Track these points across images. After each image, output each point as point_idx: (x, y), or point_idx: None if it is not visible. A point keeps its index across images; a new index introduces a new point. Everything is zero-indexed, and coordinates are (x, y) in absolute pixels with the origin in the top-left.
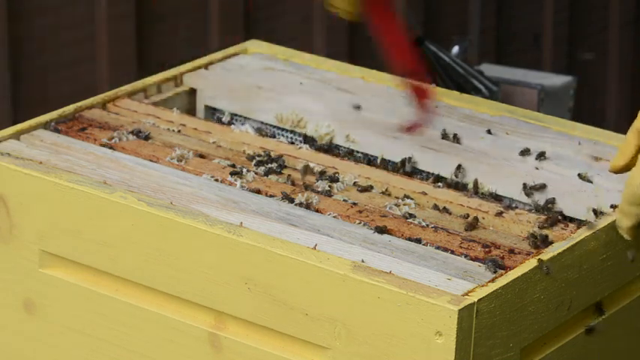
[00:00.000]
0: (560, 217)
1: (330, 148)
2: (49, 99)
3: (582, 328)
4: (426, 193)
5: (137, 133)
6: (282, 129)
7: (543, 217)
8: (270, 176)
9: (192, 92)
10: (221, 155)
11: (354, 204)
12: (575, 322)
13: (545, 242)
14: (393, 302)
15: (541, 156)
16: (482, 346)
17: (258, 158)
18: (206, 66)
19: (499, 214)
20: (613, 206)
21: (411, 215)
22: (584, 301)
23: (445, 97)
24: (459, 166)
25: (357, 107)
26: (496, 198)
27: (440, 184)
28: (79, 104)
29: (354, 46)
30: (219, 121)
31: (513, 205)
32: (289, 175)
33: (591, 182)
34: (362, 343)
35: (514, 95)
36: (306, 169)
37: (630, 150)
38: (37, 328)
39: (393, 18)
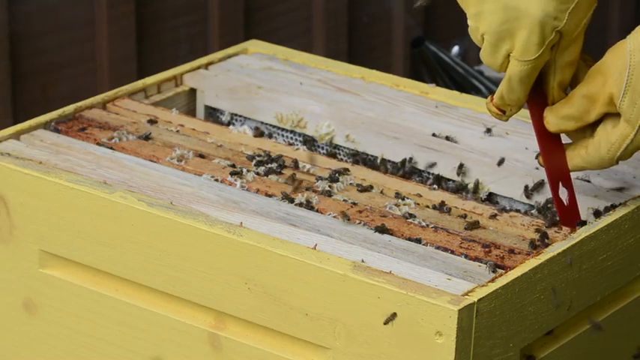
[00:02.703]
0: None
1: (330, 149)
2: (49, 99)
3: (582, 328)
4: (420, 195)
5: (152, 123)
6: (282, 129)
7: (537, 220)
8: (270, 176)
9: (192, 92)
10: (221, 155)
11: (354, 204)
12: (575, 322)
13: (545, 242)
14: (393, 302)
15: None
16: (482, 346)
17: (258, 158)
18: (206, 66)
19: (493, 216)
20: (613, 206)
21: (411, 215)
22: (584, 301)
23: (445, 97)
24: (460, 166)
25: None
26: (491, 201)
27: (435, 186)
28: (79, 104)
29: (354, 46)
30: (219, 121)
31: (508, 208)
32: (294, 174)
33: (589, 182)
34: (362, 343)
35: None
36: (297, 182)
37: (578, 115)
38: (37, 328)
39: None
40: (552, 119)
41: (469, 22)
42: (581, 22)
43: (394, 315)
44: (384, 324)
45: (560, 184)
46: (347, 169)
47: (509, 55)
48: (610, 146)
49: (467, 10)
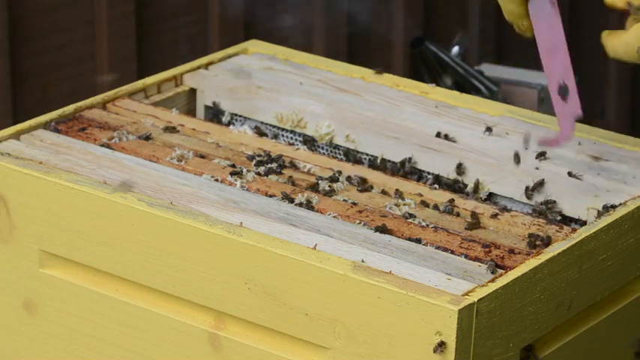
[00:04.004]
0: (559, 218)
1: (330, 149)
2: (49, 99)
3: (582, 328)
4: (422, 195)
5: (171, 130)
6: (282, 129)
7: (538, 219)
8: (270, 176)
9: (192, 92)
10: (221, 155)
11: (354, 204)
12: (575, 322)
13: (545, 242)
14: (393, 302)
15: (541, 155)
16: (482, 346)
17: (258, 158)
18: (206, 66)
19: (494, 216)
20: (613, 206)
21: (411, 215)
22: (584, 301)
23: (445, 97)
24: (459, 166)
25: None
26: (491, 200)
27: (436, 185)
28: (79, 104)
29: (354, 46)
30: (220, 121)
31: (509, 208)
32: (290, 176)
33: (585, 181)
34: (362, 343)
35: (514, 95)
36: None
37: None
38: (37, 328)
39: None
40: None
41: None
42: None
43: (442, 343)
44: (434, 352)
45: (561, 81)
46: (351, 177)
47: None
48: (636, 36)
49: None
